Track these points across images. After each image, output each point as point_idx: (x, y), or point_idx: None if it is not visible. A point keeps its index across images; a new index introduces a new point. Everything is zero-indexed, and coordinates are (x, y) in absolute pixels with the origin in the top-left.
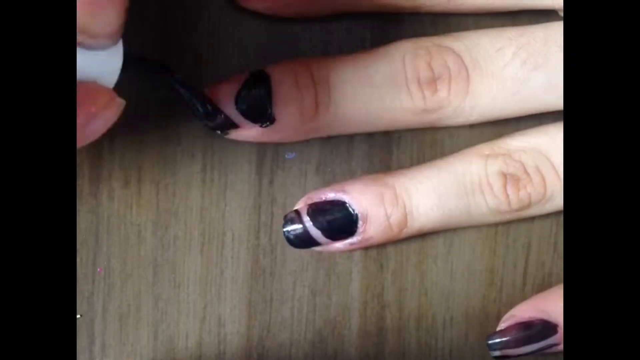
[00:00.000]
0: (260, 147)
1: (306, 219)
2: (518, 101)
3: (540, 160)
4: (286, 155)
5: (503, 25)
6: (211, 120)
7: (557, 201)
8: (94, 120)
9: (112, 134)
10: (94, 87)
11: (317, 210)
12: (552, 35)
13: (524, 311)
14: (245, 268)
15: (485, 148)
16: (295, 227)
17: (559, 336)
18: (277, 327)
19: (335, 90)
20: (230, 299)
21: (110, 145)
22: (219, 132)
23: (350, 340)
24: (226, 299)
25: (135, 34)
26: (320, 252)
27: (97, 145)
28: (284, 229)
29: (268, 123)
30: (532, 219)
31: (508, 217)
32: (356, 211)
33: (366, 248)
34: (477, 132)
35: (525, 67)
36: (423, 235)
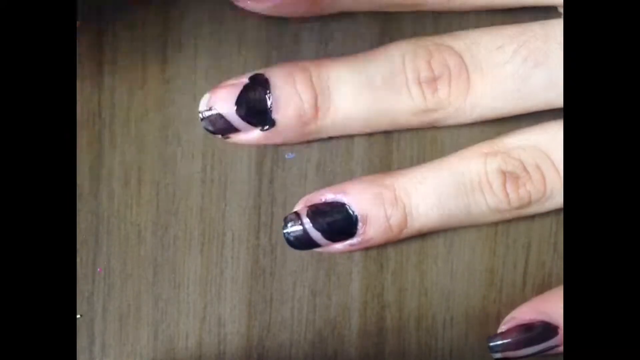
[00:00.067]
0: (260, 147)
1: (306, 220)
2: (519, 99)
3: (540, 158)
4: (286, 155)
5: (504, 23)
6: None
7: (557, 199)
8: None
9: (112, 134)
10: None
11: (317, 212)
12: (553, 33)
13: (524, 313)
14: (245, 268)
15: (484, 146)
16: (295, 229)
17: (560, 338)
18: (277, 327)
19: (335, 94)
20: (230, 299)
21: (110, 145)
22: (219, 136)
23: (350, 340)
24: (226, 299)
25: (135, 34)
26: (320, 253)
27: (97, 145)
28: (284, 231)
29: (268, 127)
30: (532, 218)
31: (508, 215)
32: (356, 212)
33: (366, 248)
34: (478, 131)
35: (526, 64)
36: (423, 235)
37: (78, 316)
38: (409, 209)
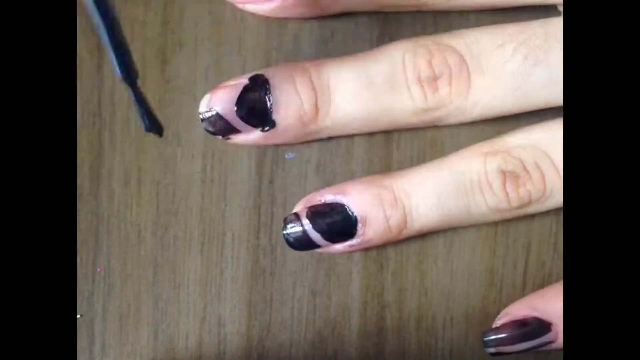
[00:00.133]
0: (260, 148)
1: (305, 222)
2: (519, 97)
3: (540, 157)
4: (286, 155)
5: (503, 22)
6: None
7: (557, 198)
8: None
9: (112, 134)
10: None
11: (317, 213)
12: (552, 31)
13: (518, 309)
14: (245, 268)
15: (484, 146)
16: (295, 230)
17: (553, 334)
18: (277, 327)
19: (335, 94)
20: (230, 299)
21: (110, 145)
22: (220, 137)
23: (350, 340)
24: (226, 299)
25: (135, 34)
26: (320, 253)
27: (97, 145)
28: (284, 232)
29: (268, 128)
30: (532, 218)
31: (508, 215)
32: (355, 214)
33: (366, 249)
34: (478, 131)
35: (526, 62)
36: (423, 235)
37: (78, 316)
38: (408, 209)
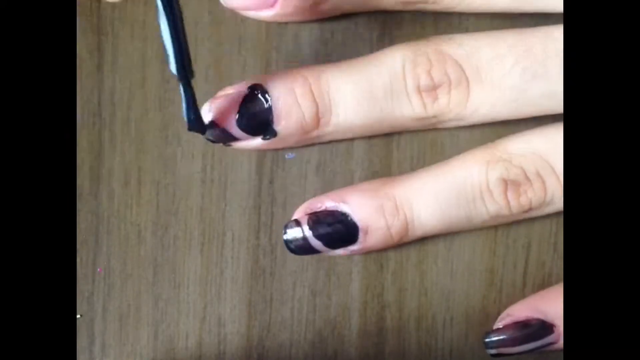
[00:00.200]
0: None
1: (306, 229)
2: (518, 107)
3: (541, 165)
4: (286, 155)
5: (503, 23)
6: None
7: (557, 204)
8: None
9: (112, 134)
10: None
11: (318, 221)
12: (552, 43)
13: (520, 310)
14: (245, 268)
15: (485, 153)
16: (296, 237)
17: (555, 335)
18: (277, 327)
19: (335, 103)
20: (230, 299)
21: (110, 145)
22: (220, 144)
23: (350, 340)
24: (226, 299)
25: (135, 34)
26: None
27: (97, 145)
28: (284, 238)
29: (269, 137)
30: (533, 219)
31: (508, 220)
32: (357, 223)
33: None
34: (478, 133)
35: (525, 76)
36: None
37: (78, 316)
38: (410, 218)
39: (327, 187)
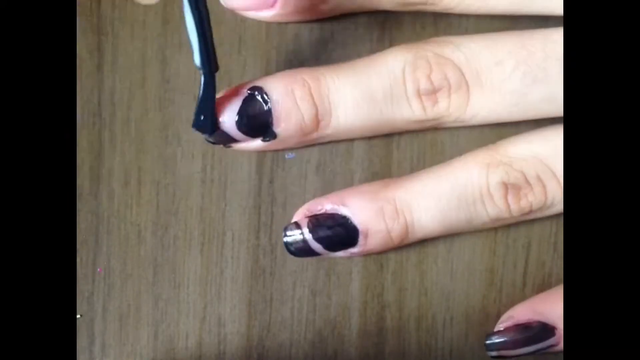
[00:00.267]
0: None
1: (306, 232)
2: (518, 111)
3: (541, 169)
4: (286, 155)
5: (503, 24)
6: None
7: (557, 207)
8: None
9: (112, 134)
10: None
11: (318, 224)
12: (552, 47)
13: (522, 313)
14: (245, 268)
15: (485, 156)
16: (296, 240)
17: (557, 338)
18: (277, 327)
19: (335, 106)
20: (230, 299)
21: (110, 145)
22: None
23: (350, 340)
24: (226, 299)
25: (135, 34)
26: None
27: (97, 145)
28: (284, 240)
29: (269, 139)
30: (533, 219)
31: (508, 222)
32: (357, 226)
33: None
34: (478, 133)
35: (525, 81)
36: None
37: (78, 316)
38: (410, 221)
39: (327, 187)
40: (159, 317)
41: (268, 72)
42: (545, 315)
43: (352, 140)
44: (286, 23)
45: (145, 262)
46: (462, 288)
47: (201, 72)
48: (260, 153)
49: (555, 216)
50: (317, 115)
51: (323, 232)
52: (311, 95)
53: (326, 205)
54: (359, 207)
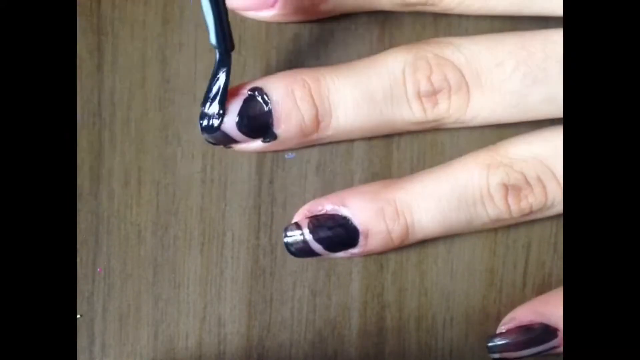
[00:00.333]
0: None
1: (307, 232)
2: (518, 112)
3: (542, 170)
4: (286, 156)
5: (503, 24)
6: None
7: (557, 208)
8: None
9: (112, 134)
10: None
11: (318, 225)
12: (552, 48)
13: (524, 314)
14: (245, 268)
15: (486, 157)
16: (296, 240)
17: (559, 339)
18: (277, 327)
19: (336, 108)
20: (230, 299)
21: (110, 145)
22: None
23: (350, 340)
24: (226, 299)
25: (135, 34)
26: None
27: (97, 145)
28: (285, 241)
29: (270, 140)
30: (533, 219)
31: (508, 223)
32: (357, 227)
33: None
34: (478, 133)
35: (525, 82)
36: None
37: (78, 316)
38: (410, 222)
39: (327, 187)
40: (159, 317)
41: (268, 72)
42: (547, 317)
43: (352, 140)
44: (286, 23)
45: (145, 262)
46: (462, 288)
47: (217, 50)
48: (260, 153)
49: (555, 217)
50: (317, 116)
51: (323, 233)
52: (311, 96)
53: (326, 205)
54: (359, 207)
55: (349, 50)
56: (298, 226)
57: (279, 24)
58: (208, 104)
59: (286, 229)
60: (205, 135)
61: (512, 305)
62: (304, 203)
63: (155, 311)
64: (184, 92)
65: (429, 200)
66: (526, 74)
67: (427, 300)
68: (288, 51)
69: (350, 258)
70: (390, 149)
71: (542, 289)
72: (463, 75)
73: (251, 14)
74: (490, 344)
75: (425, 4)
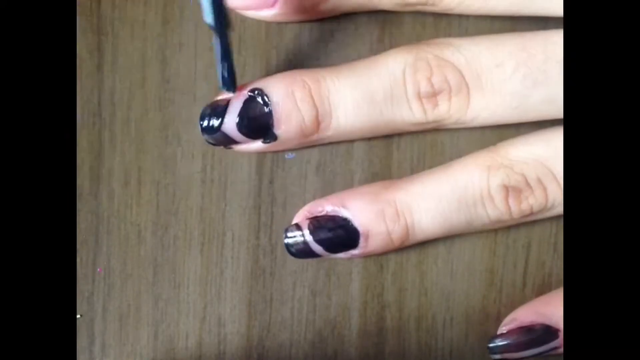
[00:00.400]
0: None
1: (307, 233)
2: (519, 113)
3: (542, 172)
4: (286, 155)
5: (503, 24)
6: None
7: (558, 209)
8: None
9: (112, 134)
10: None
11: (319, 226)
12: (552, 49)
13: (525, 315)
14: (245, 268)
15: (486, 158)
16: (296, 241)
17: (560, 340)
18: (277, 327)
19: (336, 109)
20: (230, 299)
21: (110, 145)
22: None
23: (350, 340)
24: (226, 299)
25: (135, 34)
26: None
27: (97, 145)
28: (285, 242)
29: (270, 140)
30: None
31: (509, 224)
32: (358, 228)
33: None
34: (478, 134)
35: (525, 83)
36: None
37: (78, 316)
38: (410, 223)
39: (327, 187)
40: (159, 317)
41: (268, 72)
42: (548, 318)
43: (352, 140)
44: (286, 23)
45: (145, 262)
46: (462, 288)
47: (214, 32)
48: (260, 153)
49: (555, 217)
50: (317, 116)
51: (324, 234)
52: (311, 96)
53: (327, 207)
54: (359, 209)
55: (349, 50)
56: (298, 227)
57: (279, 24)
58: (225, 87)
59: (286, 230)
60: (206, 136)
61: (512, 305)
62: (304, 203)
63: (155, 311)
64: (184, 92)
65: (429, 201)
66: (526, 75)
67: (427, 300)
68: (288, 51)
69: (350, 259)
70: (390, 149)
71: (542, 289)
72: (463, 77)
73: (251, 14)
74: (491, 345)
75: (425, 4)
